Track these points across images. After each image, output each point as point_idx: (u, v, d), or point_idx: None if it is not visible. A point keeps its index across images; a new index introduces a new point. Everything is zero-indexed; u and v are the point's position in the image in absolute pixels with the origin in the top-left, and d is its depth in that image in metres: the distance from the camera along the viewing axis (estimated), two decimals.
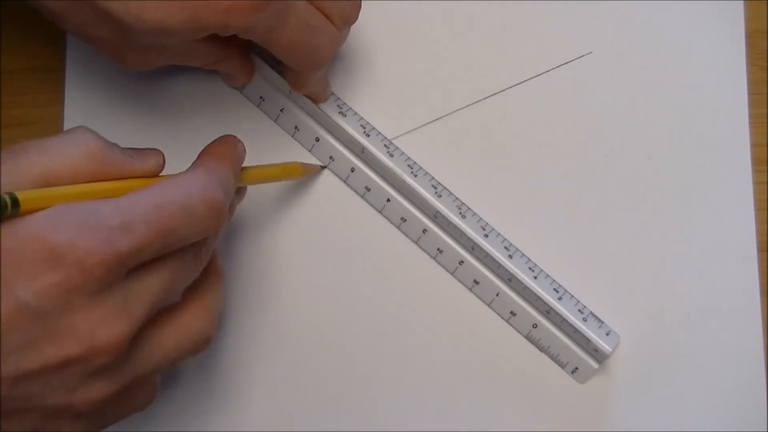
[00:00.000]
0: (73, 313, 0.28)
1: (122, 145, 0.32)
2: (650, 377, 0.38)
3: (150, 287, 0.30)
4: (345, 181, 0.40)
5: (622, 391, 0.38)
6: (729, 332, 0.38)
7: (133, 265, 0.29)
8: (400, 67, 0.41)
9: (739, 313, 0.38)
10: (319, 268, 0.40)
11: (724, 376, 0.38)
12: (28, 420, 0.29)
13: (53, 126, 0.41)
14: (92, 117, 0.41)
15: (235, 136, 0.35)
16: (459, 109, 0.41)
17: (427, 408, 0.39)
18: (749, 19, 0.40)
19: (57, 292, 0.27)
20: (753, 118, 0.40)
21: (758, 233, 0.39)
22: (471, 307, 0.39)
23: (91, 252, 0.27)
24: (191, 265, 0.32)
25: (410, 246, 0.40)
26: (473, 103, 0.41)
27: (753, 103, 0.40)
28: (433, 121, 0.41)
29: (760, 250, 0.39)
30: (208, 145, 0.34)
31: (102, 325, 0.28)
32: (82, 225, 0.27)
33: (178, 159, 0.33)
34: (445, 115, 0.41)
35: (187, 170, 0.32)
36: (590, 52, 0.41)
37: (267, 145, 0.41)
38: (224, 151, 0.34)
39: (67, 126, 0.41)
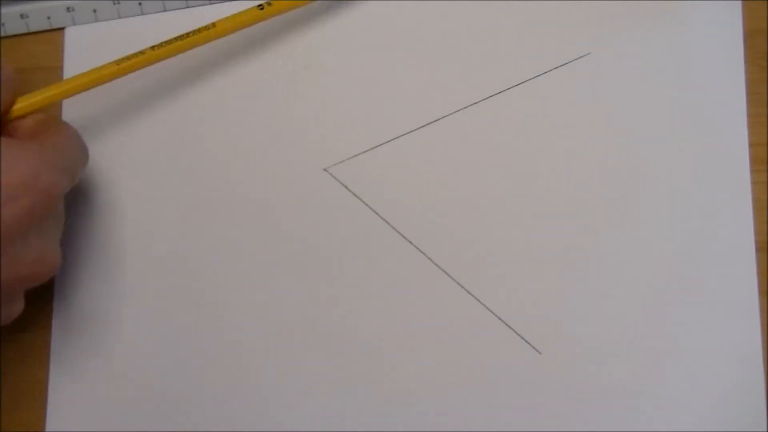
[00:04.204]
0: (30, 239, 0.32)
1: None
2: (650, 377, 0.38)
3: (63, 211, 0.36)
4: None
5: (622, 392, 0.38)
6: (728, 332, 0.38)
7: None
8: (398, 68, 0.41)
9: (738, 312, 0.38)
10: (307, 264, 0.40)
11: (724, 376, 0.38)
12: None
13: None
14: (90, 117, 0.41)
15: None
16: (456, 111, 0.41)
17: (427, 407, 0.39)
18: (748, 18, 0.40)
19: (24, 217, 0.31)
20: (751, 117, 0.40)
21: (757, 233, 0.39)
22: (469, 305, 0.39)
23: (54, 185, 0.32)
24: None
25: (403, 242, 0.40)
26: (469, 106, 0.41)
27: (751, 103, 0.40)
28: (431, 122, 0.41)
29: (758, 249, 0.39)
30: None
31: (50, 251, 0.34)
32: (45, 161, 0.32)
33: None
34: (442, 117, 0.41)
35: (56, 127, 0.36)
36: (588, 53, 0.41)
37: None
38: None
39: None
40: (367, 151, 0.41)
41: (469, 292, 0.39)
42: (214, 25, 0.39)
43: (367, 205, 0.40)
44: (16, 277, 0.32)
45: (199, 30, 0.38)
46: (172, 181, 0.40)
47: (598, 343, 0.38)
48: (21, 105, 0.36)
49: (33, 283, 0.33)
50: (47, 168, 0.32)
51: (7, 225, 0.31)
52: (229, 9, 0.42)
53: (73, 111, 0.42)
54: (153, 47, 0.38)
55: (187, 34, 0.38)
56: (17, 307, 0.34)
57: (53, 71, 0.42)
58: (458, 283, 0.39)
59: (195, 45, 0.38)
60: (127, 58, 0.37)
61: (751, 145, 0.39)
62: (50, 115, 0.37)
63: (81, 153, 0.37)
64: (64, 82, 0.37)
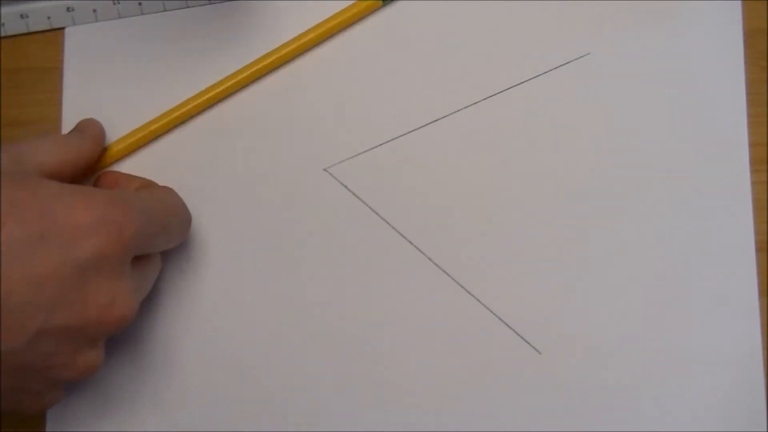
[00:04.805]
0: (101, 280, 0.30)
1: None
2: (650, 377, 0.38)
3: (150, 276, 0.35)
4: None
5: (622, 392, 0.38)
6: (728, 332, 0.38)
7: (138, 252, 0.33)
8: (399, 68, 0.41)
9: (738, 312, 0.38)
10: (313, 264, 0.40)
11: (724, 376, 0.38)
12: (31, 379, 0.31)
13: (52, 126, 0.41)
14: (90, 116, 0.41)
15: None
16: (456, 111, 0.41)
17: (427, 407, 0.39)
18: (747, 18, 0.40)
19: (96, 255, 0.30)
20: (751, 117, 0.39)
21: (757, 233, 0.39)
22: (467, 304, 0.39)
23: (128, 225, 0.31)
24: (158, 266, 0.37)
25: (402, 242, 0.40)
26: (469, 106, 0.41)
27: (751, 103, 0.40)
28: (431, 122, 0.41)
29: (758, 249, 0.38)
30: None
31: (122, 297, 0.31)
32: (119, 202, 0.31)
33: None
34: (442, 117, 0.41)
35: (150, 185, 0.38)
36: (588, 53, 0.41)
37: None
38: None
39: (65, 126, 0.41)
40: (367, 151, 0.41)
41: (469, 292, 0.39)
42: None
43: (367, 205, 0.40)
44: (83, 318, 0.30)
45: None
46: (170, 182, 0.40)
47: (598, 343, 0.38)
48: (117, 148, 0.40)
49: (104, 329, 0.31)
50: (123, 210, 0.31)
51: (78, 260, 0.29)
52: (229, 9, 0.42)
53: (73, 113, 0.42)
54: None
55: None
56: (94, 355, 0.32)
57: (53, 71, 0.42)
58: (458, 283, 0.39)
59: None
60: (205, 92, 0.41)
61: (751, 145, 0.39)
62: (150, 181, 0.39)
63: (176, 211, 0.36)
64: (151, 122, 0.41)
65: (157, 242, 0.34)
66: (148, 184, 0.38)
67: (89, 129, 0.39)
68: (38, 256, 0.29)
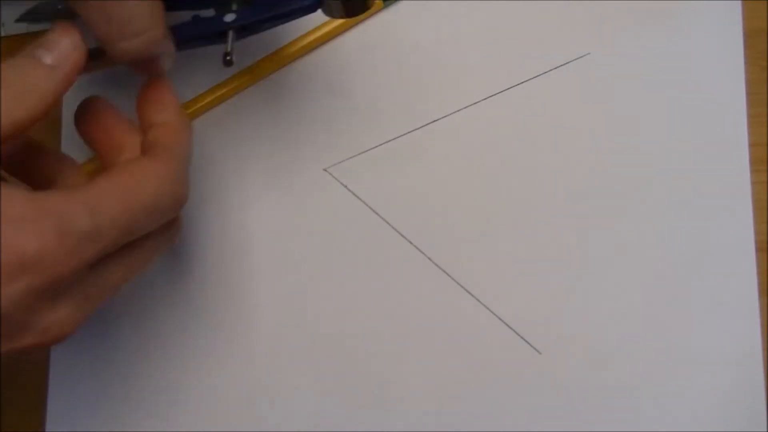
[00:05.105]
0: (35, 314, 0.28)
1: None
2: (650, 377, 0.38)
3: (112, 276, 0.31)
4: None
5: (622, 392, 0.38)
6: (728, 332, 0.38)
7: (96, 262, 0.29)
8: (398, 68, 0.41)
9: (738, 312, 0.38)
10: (313, 265, 0.40)
11: (724, 376, 0.38)
12: None
13: (52, 125, 0.42)
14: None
15: (182, 112, 0.34)
16: (456, 111, 0.41)
17: (425, 407, 0.39)
18: (747, 18, 0.40)
19: (24, 298, 0.27)
20: (751, 117, 0.39)
21: (757, 233, 0.39)
22: (467, 304, 0.39)
23: (60, 262, 0.27)
24: (151, 245, 0.32)
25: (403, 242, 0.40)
26: (469, 106, 0.41)
27: (751, 103, 0.39)
28: (431, 122, 0.41)
29: (758, 249, 0.38)
30: (157, 127, 0.33)
31: (63, 323, 0.29)
32: (54, 231, 0.27)
33: None
34: (442, 118, 0.41)
35: (149, 159, 0.31)
36: (588, 53, 0.41)
37: None
38: (178, 139, 0.33)
39: (65, 125, 0.41)
40: (367, 151, 0.41)
41: (469, 292, 0.39)
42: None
43: (367, 205, 0.40)
44: (20, 345, 0.29)
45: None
46: None
47: (598, 343, 0.38)
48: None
49: (42, 347, 0.30)
50: (59, 243, 0.27)
51: (7, 295, 0.27)
52: None
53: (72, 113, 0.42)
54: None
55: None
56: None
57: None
58: (458, 283, 0.39)
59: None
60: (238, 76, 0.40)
61: (751, 145, 0.39)
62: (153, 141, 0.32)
63: (152, 206, 0.30)
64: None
65: (125, 239, 0.30)
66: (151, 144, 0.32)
67: (60, 53, 0.30)
68: None
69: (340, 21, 0.41)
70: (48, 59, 0.30)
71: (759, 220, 0.39)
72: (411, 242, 0.40)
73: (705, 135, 0.40)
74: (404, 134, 0.41)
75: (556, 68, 0.41)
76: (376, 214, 0.40)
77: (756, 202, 0.39)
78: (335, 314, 0.40)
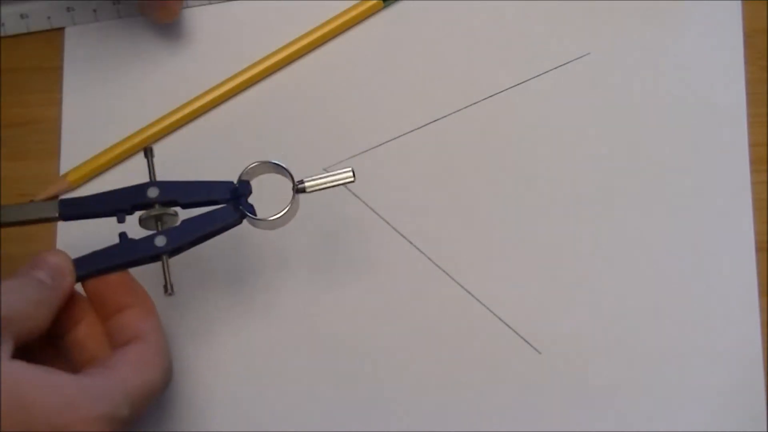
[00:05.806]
0: None
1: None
2: (650, 377, 0.38)
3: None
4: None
5: (622, 392, 0.38)
6: (728, 332, 0.38)
7: None
8: (399, 68, 0.41)
9: (738, 312, 0.38)
10: (313, 264, 0.40)
11: (724, 376, 0.38)
12: None
13: (52, 125, 0.41)
14: (89, 116, 0.41)
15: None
16: (456, 111, 0.41)
17: (426, 407, 0.39)
18: (747, 18, 0.40)
19: None
20: (751, 117, 0.39)
21: (757, 233, 0.39)
22: (469, 305, 0.39)
23: None
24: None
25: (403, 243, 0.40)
26: (469, 106, 0.41)
27: (751, 103, 0.40)
28: (432, 122, 0.41)
29: (758, 249, 0.38)
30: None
31: None
32: (106, 420, 0.30)
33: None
34: (442, 117, 0.41)
35: (147, 345, 0.33)
36: (588, 53, 0.41)
37: None
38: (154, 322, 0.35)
39: (65, 126, 0.41)
40: (367, 151, 0.41)
41: (469, 292, 0.39)
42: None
43: (366, 204, 0.40)
44: None
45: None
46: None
47: (598, 343, 0.38)
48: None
49: None
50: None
51: None
52: (229, 9, 0.42)
53: (73, 113, 0.42)
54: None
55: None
56: None
57: (53, 71, 0.42)
58: (458, 283, 0.39)
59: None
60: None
61: (751, 145, 0.39)
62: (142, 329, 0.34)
63: (157, 387, 0.33)
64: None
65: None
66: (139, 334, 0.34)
67: (52, 273, 0.33)
68: None
69: (339, 21, 0.41)
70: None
71: (759, 220, 0.39)
72: (411, 242, 0.40)
73: (705, 135, 0.40)
74: (404, 134, 0.41)
75: (555, 68, 0.41)
76: (376, 214, 0.40)
77: (756, 202, 0.39)
78: (335, 314, 0.40)
